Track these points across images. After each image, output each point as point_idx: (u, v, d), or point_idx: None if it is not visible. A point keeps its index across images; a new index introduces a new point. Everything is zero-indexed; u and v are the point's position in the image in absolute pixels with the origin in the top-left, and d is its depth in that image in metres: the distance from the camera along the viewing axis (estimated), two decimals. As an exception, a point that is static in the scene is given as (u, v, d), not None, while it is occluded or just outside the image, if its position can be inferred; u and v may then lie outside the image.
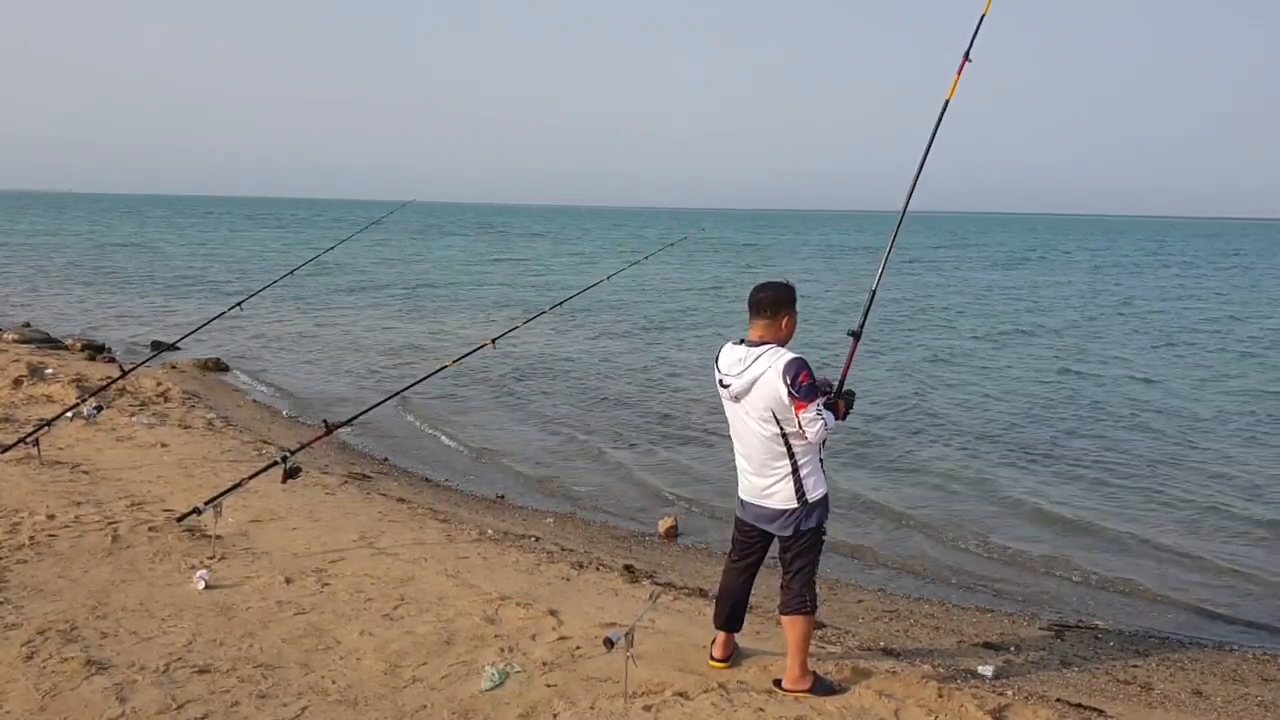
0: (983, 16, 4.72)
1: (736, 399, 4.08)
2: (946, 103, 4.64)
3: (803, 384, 3.91)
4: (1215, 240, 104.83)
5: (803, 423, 3.95)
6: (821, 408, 3.98)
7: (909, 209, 4.67)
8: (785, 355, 3.97)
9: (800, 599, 4.17)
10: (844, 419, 4.17)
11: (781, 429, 4.02)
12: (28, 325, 16.90)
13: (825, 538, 4.25)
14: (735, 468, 4.32)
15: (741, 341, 4.13)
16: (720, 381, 4.14)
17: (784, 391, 3.91)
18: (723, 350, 4.19)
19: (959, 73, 4.64)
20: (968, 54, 4.67)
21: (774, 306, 4.07)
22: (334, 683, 4.15)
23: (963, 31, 4.62)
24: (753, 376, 3.99)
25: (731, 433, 4.25)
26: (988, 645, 5.54)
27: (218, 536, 5.84)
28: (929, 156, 4.62)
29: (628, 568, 6.41)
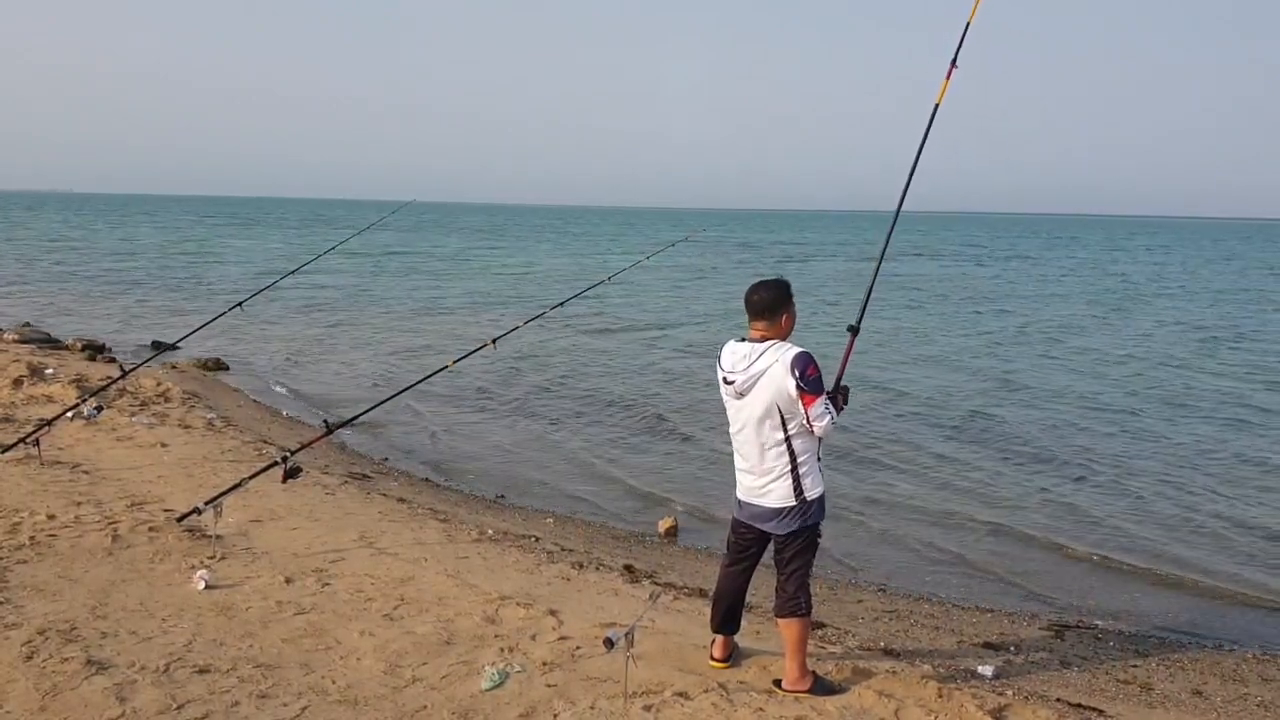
0: (968, 24, 4.75)
1: (741, 395, 4.07)
2: (936, 107, 4.66)
3: (811, 377, 3.93)
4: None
5: (811, 417, 3.97)
6: (827, 401, 4.00)
7: (902, 210, 4.76)
8: (792, 349, 3.99)
9: (795, 601, 4.17)
10: (840, 413, 4.19)
11: (784, 425, 4.02)
12: (28, 325, 16.90)
13: (820, 539, 4.26)
14: (736, 468, 4.32)
15: (743, 339, 4.14)
16: (724, 379, 4.13)
17: (792, 385, 3.92)
18: (724, 348, 4.19)
19: (947, 78, 4.67)
20: (954, 60, 4.68)
21: (773, 306, 4.08)
22: (334, 683, 4.15)
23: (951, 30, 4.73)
24: (759, 370, 3.99)
25: (731, 431, 4.25)
26: (988, 645, 5.54)
27: (218, 536, 5.84)
28: (920, 158, 4.65)
29: (628, 568, 6.41)
